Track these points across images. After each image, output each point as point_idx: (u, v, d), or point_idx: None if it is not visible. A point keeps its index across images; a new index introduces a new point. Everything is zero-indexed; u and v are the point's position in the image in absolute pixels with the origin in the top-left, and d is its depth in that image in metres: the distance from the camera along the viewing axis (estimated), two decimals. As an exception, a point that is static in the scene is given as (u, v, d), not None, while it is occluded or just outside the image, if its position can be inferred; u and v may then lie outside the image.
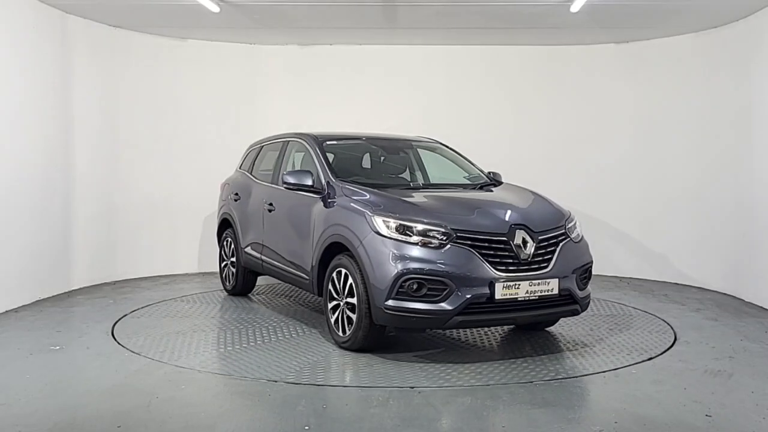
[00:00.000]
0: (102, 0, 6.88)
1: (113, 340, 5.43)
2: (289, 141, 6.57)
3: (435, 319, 4.62)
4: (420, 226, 4.72)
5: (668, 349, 5.26)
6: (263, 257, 6.41)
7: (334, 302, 5.19)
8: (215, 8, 6.90)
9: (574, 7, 6.74)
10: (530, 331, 5.78)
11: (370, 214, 4.90)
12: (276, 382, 4.38)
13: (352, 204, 5.17)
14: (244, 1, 6.84)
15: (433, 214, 4.86)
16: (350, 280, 4.96)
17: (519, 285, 4.67)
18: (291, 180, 5.60)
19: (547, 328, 5.84)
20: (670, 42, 8.14)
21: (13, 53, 6.45)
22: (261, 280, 7.46)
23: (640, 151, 8.47)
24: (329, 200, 5.42)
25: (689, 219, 8.04)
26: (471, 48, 8.77)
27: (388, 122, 8.30)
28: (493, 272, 4.64)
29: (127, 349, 5.16)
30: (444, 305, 4.57)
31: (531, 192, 5.75)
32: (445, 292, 4.57)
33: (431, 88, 8.88)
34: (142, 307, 6.60)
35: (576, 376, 4.55)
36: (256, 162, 7.12)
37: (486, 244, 4.72)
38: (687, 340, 5.53)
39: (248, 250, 6.74)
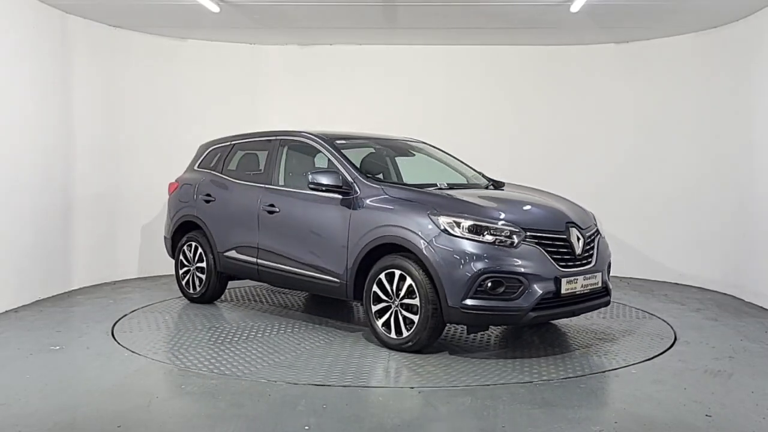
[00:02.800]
0: (102, 0, 6.88)
1: (113, 340, 5.43)
2: (281, 140, 6.30)
3: (512, 315, 4.76)
4: (494, 226, 4.82)
5: (668, 349, 5.26)
6: (260, 261, 6.09)
7: (381, 305, 5.13)
8: (215, 8, 6.90)
9: (574, 7, 6.74)
10: (531, 329, 5.79)
11: (434, 214, 4.90)
12: (276, 382, 4.38)
13: (401, 204, 5.13)
14: (244, 1, 6.84)
15: (500, 213, 4.96)
16: (408, 281, 4.93)
17: (577, 279, 4.95)
18: (319, 180, 5.41)
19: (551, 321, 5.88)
20: (670, 42, 8.14)
21: (13, 53, 6.45)
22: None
23: (640, 151, 8.47)
24: (360, 200, 5.34)
25: (689, 219, 8.04)
26: (471, 48, 8.77)
27: (388, 122, 8.29)
28: (558, 269, 4.85)
29: (127, 349, 5.16)
30: (520, 302, 4.71)
31: (547, 192, 5.93)
32: (520, 290, 4.71)
33: (431, 88, 8.88)
34: (142, 307, 6.60)
35: (576, 376, 4.55)
36: (226, 161, 6.77)
37: (550, 242, 4.92)
38: (687, 340, 5.53)
39: (232, 254, 6.35)
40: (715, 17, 7.30)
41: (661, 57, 8.26)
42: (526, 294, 4.72)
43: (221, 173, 6.73)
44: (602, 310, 6.53)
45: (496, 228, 4.81)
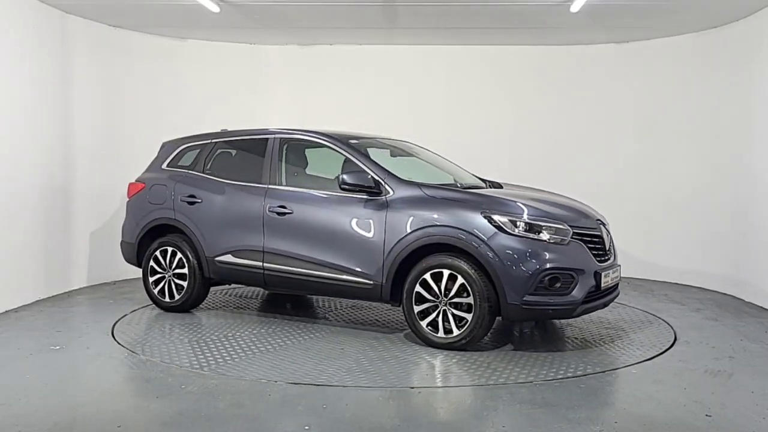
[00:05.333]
0: (102, 0, 6.89)
1: (113, 340, 5.43)
2: (281, 139, 6.08)
3: (567, 309, 5.00)
4: (548, 224, 5.01)
5: (668, 349, 5.26)
6: (267, 265, 5.84)
7: (425, 305, 5.15)
8: (215, 8, 6.91)
9: (574, 7, 6.74)
10: (531, 329, 5.79)
11: (487, 213, 5.00)
12: (276, 382, 4.38)
13: (447, 204, 5.17)
14: (244, 1, 6.84)
15: (549, 212, 5.15)
16: (459, 280, 4.99)
17: (608, 274, 5.25)
18: (351, 181, 5.35)
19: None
20: (670, 42, 8.14)
21: (13, 53, 6.45)
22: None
23: (640, 151, 8.47)
24: (396, 200, 5.31)
25: (689, 219, 8.05)
26: (471, 48, 8.77)
27: (388, 122, 8.29)
28: (597, 264, 5.14)
29: (127, 349, 5.16)
30: (572, 296, 4.95)
31: (549, 192, 6.09)
32: (572, 285, 4.95)
33: (431, 88, 8.88)
34: (142, 307, 6.60)
35: (576, 376, 4.55)
36: (207, 161, 6.42)
37: (589, 239, 5.20)
38: (687, 340, 5.53)
39: (227, 258, 6.04)
40: (715, 17, 7.30)
41: (661, 57, 8.26)
42: (577, 288, 4.95)
43: (203, 173, 6.38)
44: (602, 310, 6.55)
45: (550, 226, 5.00)
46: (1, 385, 4.33)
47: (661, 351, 5.19)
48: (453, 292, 5.04)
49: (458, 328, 5.03)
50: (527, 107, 8.83)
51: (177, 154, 6.73)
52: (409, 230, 5.21)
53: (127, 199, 6.86)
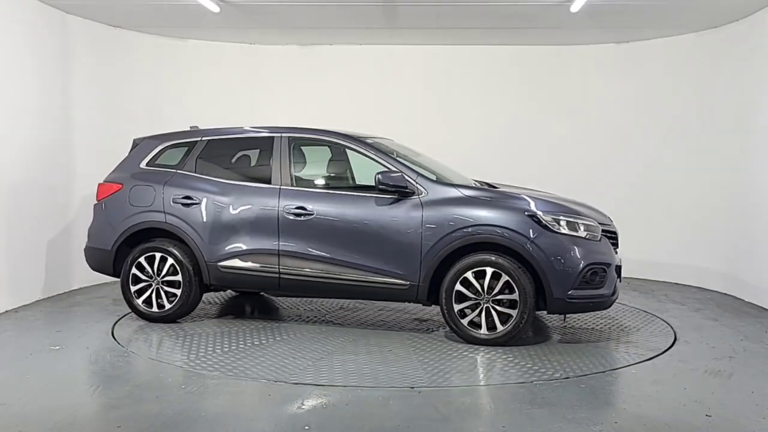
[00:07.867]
0: (102, 0, 6.89)
1: (113, 340, 5.43)
2: (286, 137, 5.87)
3: (602, 302, 5.30)
4: (586, 222, 5.30)
5: (668, 349, 5.27)
6: (284, 269, 5.60)
7: (465, 303, 5.22)
8: (215, 8, 6.91)
9: (574, 7, 6.74)
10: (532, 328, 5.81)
11: (530, 212, 5.19)
12: (276, 382, 4.38)
13: (488, 204, 5.29)
14: (244, 1, 6.85)
15: (581, 211, 5.43)
16: (504, 278, 5.12)
17: (622, 267, 5.58)
18: (388, 182, 5.35)
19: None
20: (670, 42, 8.14)
21: (13, 53, 6.45)
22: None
23: (640, 151, 8.46)
24: (432, 201, 5.33)
25: (689, 218, 8.04)
26: (471, 48, 8.77)
27: (388, 122, 8.28)
28: (617, 258, 5.44)
29: (127, 349, 5.17)
30: (605, 289, 5.27)
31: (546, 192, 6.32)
32: (606, 278, 5.26)
33: (431, 88, 8.88)
34: (142, 307, 6.59)
35: (576, 376, 4.55)
36: (199, 160, 6.05)
37: (609, 235, 5.49)
38: (687, 340, 5.53)
39: (233, 263, 5.71)
40: (715, 17, 7.30)
41: (661, 57, 8.25)
42: (609, 281, 5.26)
43: (196, 172, 6.01)
44: (602, 310, 6.54)
45: (585, 224, 5.28)
46: (1, 385, 4.33)
47: (661, 351, 5.19)
48: (497, 290, 5.16)
49: (502, 324, 5.16)
50: (527, 107, 8.81)
51: (157, 152, 6.28)
52: (450, 230, 5.25)
53: (96, 202, 6.29)
